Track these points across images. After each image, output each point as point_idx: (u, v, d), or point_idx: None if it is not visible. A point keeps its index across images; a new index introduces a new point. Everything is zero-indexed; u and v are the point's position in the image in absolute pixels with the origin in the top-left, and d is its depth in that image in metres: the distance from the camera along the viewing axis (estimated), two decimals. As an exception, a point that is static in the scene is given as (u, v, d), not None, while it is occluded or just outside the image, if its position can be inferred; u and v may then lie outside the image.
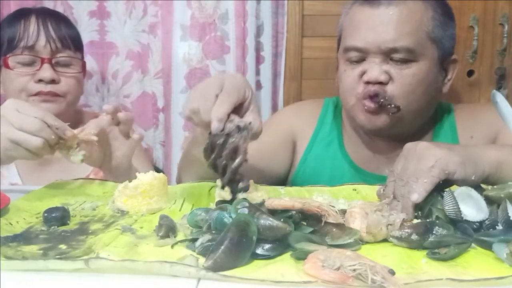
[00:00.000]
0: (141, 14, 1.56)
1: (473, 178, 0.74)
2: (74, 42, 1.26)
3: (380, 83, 1.02)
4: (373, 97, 1.02)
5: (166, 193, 0.85)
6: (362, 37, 1.03)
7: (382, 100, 1.02)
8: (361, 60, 1.04)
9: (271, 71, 1.60)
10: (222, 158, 0.74)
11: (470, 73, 1.59)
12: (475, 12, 1.56)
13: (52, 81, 1.19)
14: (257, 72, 1.59)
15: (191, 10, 1.55)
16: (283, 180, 1.21)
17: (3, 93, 1.26)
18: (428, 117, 1.13)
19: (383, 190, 0.79)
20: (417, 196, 0.70)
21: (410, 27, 1.01)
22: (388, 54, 1.02)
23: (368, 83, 1.03)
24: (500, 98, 0.69)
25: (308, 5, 1.58)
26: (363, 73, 1.04)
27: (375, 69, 1.01)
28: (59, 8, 1.55)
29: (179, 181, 1.10)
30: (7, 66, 1.19)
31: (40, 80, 1.19)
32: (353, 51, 1.05)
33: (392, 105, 1.02)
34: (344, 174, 1.09)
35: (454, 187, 0.74)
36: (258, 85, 1.61)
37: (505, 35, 1.56)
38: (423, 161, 0.72)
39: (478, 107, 1.18)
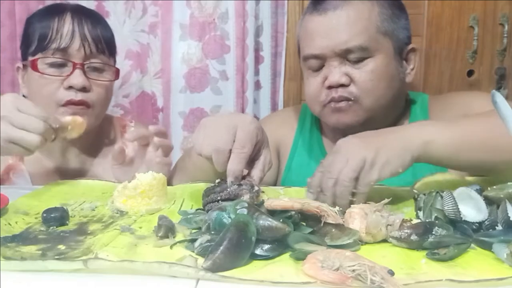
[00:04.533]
0: (140, 14, 1.56)
1: (400, 171, 0.79)
2: (109, 47, 1.16)
3: (342, 85, 1.04)
4: (338, 100, 1.05)
5: (165, 193, 0.85)
6: (317, 44, 1.05)
7: (349, 103, 1.04)
8: (321, 67, 1.07)
9: (271, 71, 1.60)
10: (219, 199, 0.76)
11: (470, 73, 1.59)
12: (475, 12, 1.56)
13: (83, 89, 1.09)
14: (257, 72, 1.59)
15: (191, 9, 1.55)
16: None
17: (24, 94, 1.16)
18: (400, 110, 1.14)
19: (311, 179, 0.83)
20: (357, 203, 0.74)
21: (359, 26, 1.03)
22: (344, 56, 1.04)
23: (330, 87, 1.05)
24: (499, 98, 0.69)
25: (308, 5, 1.58)
26: (325, 79, 1.06)
27: (334, 72, 1.04)
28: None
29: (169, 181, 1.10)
30: (36, 69, 1.08)
31: (70, 87, 1.08)
32: (311, 59, 1.07)
33: (352, 99, 1.04)
34: None
35: (453, 187, 0.74)
36: (258, 85, 1.61)
37: (505, 35, 1.56)
38: (350, 164, 0.77)
39: (449, 97, 1.19)
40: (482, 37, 1.56)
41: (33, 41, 1.11)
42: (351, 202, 0.76)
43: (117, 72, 1.19)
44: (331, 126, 1.11)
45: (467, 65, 1.58)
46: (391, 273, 0.53)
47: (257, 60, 1.59)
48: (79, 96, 1.08)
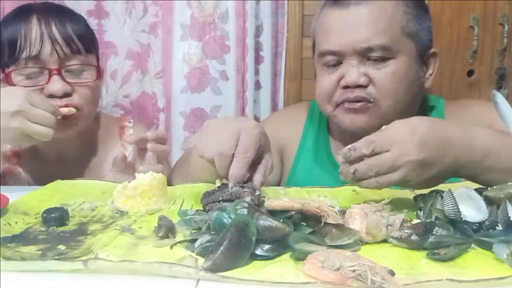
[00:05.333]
0: (140, 14, 1.56)
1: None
2: (85, 44, 1.07)
3: (360, 86, 0.98)
4: (353, 101, 0.99)
5: (165, 193, 0.85)
6: (336, 40, 1.00)
7: (366, 104, 0.99)
8: (337, 64, 1.01)
9: (271, 71, 1.60)
10: (221, 199, 0.76)
11: (470, 73, 1.59)
12: (475, 12, 1.56)
13: (65, 95, 1.04)
14: (257, 72, 1.59)
15: (191, 9, 1.56)
16: None
17: None
18: (415, 115, 1.09)
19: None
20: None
21: (382, 24, 0.98)
22: (364, 55, 0.98)
23: (346, 87, 0.99)
24: (500, 98, 0.69)
25: (308, 5, 1.58)
26: (341, 78, 1.00)
27: (352, 72, 0.98)
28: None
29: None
30: (11, 83, 1.03)
31: (51, 95, 1.03)
32: (328, 55, 1.02)
33: (371, 100, 0.99)
34: (334, 183, 1.03)
35: (453, 188, 0.74)
36: (258, 85, 1.61)
37: (505, 35, 1.56)
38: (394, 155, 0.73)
39: (467, 103, 1.14)
40: (482, 37, 1.56)
41: (5, 51, 1.04)
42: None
43: (98, 70, 1.11)
44: (343, 128, 1.05)
45: (467, 65, 1.58)
46: (392, 273, 0.53)
47: (257, 60, 1.59)
48: (64, 101, 1.04)
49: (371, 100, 0.99)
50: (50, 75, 1.03)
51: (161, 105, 1.60)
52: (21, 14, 1.06)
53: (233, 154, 0.78)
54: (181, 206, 0.84)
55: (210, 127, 0.82)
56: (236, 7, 1.53)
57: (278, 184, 1.17)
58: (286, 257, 0.60)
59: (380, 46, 0.98)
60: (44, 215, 0.73)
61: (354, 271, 0.52)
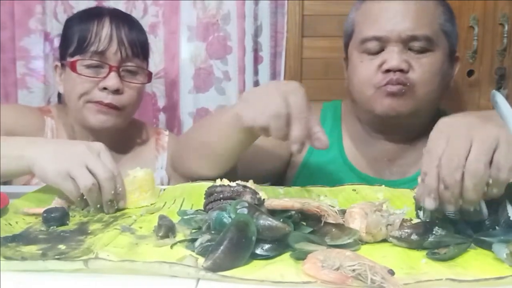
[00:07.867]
0: (141, 14, 1.56)
1: None
2: (143, 51, 1.19)
3: (401, 70, 1.02)
4: (395, 83, 1.03)
5: (154, 187, 0.88)
6: (382, 27, 1.05)
7: (404, 88, 1.03)
8: (379, 51, 1.06)
9: (270, 71, 1.60)
10: (222, 197, 0.75)
11: (470, 73, 1.59)
12: (475, 12, 1.56)
13: (116, 91, 1.14)
14: (256, 72, 1.60)
15: (196, 10, 1.56)
16: (278, 179, 1.18)
17: (62, 92, 1.22)
18: (430, 117, 1.09)
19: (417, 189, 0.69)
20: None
21: (426, 17, 1.05)
22: (407, 43, 1.04)
23: (388, 71, 1.03)
24: (500, 98, 0.69)
25: (308, 5, 1.58)
26: (382, 63, 1.04)
27: (395, 57, 1.02)
28: (60, 8, 1.55)
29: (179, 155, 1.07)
30: (75, 70, 1.13)
31: (105, 88, 1.13)
32: (372, 41, 1.06)
33: (408, 84, 1.03)
34: (344, 180, 1.06)
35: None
36: (257, 85, 1.61)
37: (505, 35, 1.56)
38: (478, 146, 0.62)
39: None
40: (482, 37, 1.56)
41: (72, 43, 1.15)
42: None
43: (149, 75, 1.22)
44: (379, 112, 1.06)
45: (467, 65, 1.58)
46: (392, 272, 0.53)
47: (257, 60, 1.59)
48: (109, 99, 1.13)
49: (408, 84, 1.03)
50: (110, 70, 1.13)
51: (161, 105, 1.61)
52: (94, 14, 1.17)
53: (288, 114, 0.77)
54: (181, 205, 0.84)
55: (254, 95, 0.81)
56: (238, 8, 1.54)
57: (284, 173, 1.18)
58: (286, 256, 0.60)
59: (424, 36, 1.03)
60: (45, 214, 0.73)
61: (354, 270, 0.52)
